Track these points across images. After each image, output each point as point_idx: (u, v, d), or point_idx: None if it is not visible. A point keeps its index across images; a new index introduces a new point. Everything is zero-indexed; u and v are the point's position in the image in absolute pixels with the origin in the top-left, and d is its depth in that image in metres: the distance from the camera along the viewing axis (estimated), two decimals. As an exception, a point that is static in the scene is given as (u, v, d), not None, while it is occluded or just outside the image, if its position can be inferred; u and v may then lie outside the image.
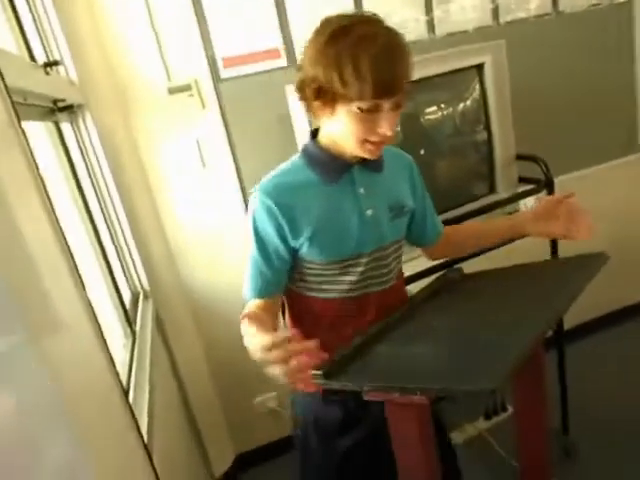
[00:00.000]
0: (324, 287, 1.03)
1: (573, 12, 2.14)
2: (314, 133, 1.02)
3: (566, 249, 1.48)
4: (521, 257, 1.27)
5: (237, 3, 1.73)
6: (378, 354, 0.88)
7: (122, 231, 1.65)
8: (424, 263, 1.42)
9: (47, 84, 1.07)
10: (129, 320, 1.35)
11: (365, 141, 0.92)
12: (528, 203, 1.65)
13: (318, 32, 0.90)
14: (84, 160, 1.52)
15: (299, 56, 0.95)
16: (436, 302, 1.05)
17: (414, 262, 1.39)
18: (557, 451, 1.92)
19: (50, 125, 1.18)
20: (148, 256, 1.80)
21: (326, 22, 0.90)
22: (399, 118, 0.93)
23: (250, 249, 1.02)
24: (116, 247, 1.61)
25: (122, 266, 1.62)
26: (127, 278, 1.64)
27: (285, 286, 1.07)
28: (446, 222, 1.49)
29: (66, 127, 1.41)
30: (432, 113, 1.64)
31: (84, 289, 0.75)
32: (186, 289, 1.90)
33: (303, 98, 0.93)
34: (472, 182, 1.69)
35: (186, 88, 1.74)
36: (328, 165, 0.98)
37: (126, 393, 1.00)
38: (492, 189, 1.67)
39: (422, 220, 1.17)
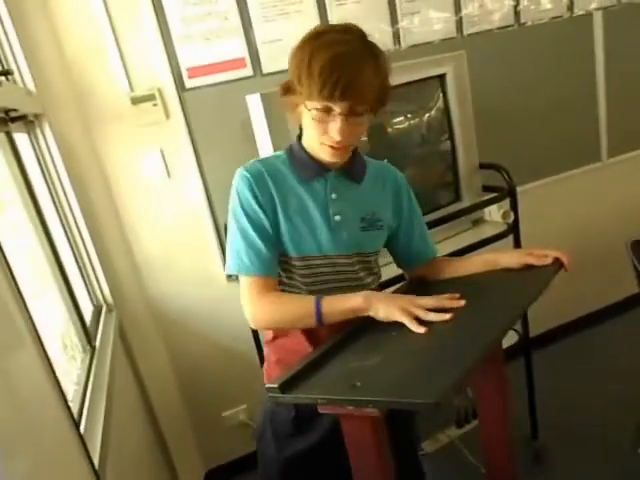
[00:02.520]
0: (291, 282, 1.04)
1: (535, 24, 2.19)
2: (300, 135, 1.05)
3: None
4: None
5: (201, 12, 1.72)
6: (334, 366, 0.88)
7: (84, 244, 1.61)
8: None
9: (-3, 94, 1.04)
10: (88, 335, 1.31)
11: (322, 143, 0.95)
12: (492, 211, 1.67)
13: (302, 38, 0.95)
14: (42, 171, 1.48)
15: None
16: None
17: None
18: (526, 457, 1.94)
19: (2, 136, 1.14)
20: (112, 268, 1.75)
21: (310, 30, 0.96)
22: (364, 127, 0.96)
23: (234, 229, 1.00)
24: (77, 260, 1.57)
25: (84, 280, 1.58)
26: (89, 292, 1.59)
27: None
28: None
29: (22, 137, 1.37)
30: (398, 123, 1.65)
31: (27, 311, 0.72)
32: (151, 301, 1.86)
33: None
34: (438, 191, 1.70)
35: (150, 98, 1.72)
36: (305, 164, 1.01)
37: (79, 416, 0.97)
38: (457, 197, 1.68)
39: (407, 241, 1.15)
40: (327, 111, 0.91)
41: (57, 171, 1.54)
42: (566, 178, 2.40)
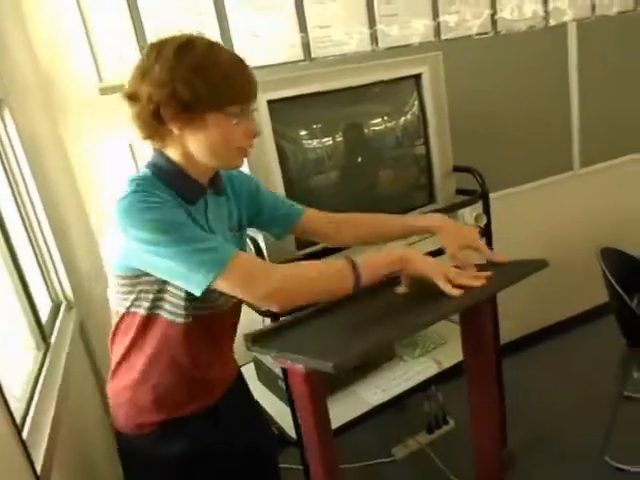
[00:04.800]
0: (184, 310, 0.93)
1: (511, 33, 2.21)
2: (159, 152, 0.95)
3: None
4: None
5: (175, 5, 1.68)
6: (304, 330, 1.00)
7: (44, 238, 1.54)
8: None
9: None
10: (43, 331, 1.24)
11: (238, 148, 0.93)
12: (465, 214, 1.66)
13: (157, 54, 0.86)
14: (1, 159, 1.42)
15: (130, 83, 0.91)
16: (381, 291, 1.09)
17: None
18: (496, 464, 1.92)
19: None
20: (75, 265, 1.68)
21: (159, 44, 0.88)
22: None
23: (173, 247, 0.83)
24: (36, 255, 1.50)
25: (43, 275, 1.51)
26: (48, 287, 1.52)
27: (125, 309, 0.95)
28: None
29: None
30: (374, 124, 1.63)
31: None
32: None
33: (153, 124, 0.88)
34: (412, 192, 1.69)
35: (119, 89, 1.64)
36: (187, 185, 0.93)
37: (23, 419, 0.90)
38: (431, 199, 1.67)
39: (275, 209, 1.16)
40: (243, 112, 0.90)
41: (17, 160, 1.47)
42: (539, 186, 2.42)
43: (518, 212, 2.38)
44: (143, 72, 0.87)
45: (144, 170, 0.94)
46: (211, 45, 0.89)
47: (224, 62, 0.86)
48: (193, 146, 0.90)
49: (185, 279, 0.85)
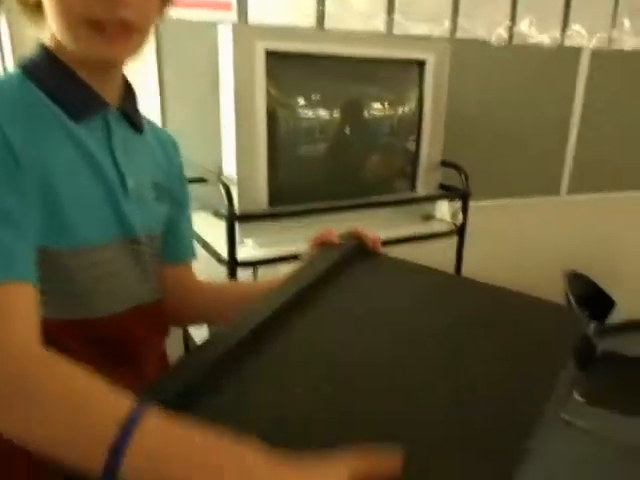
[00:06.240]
0: (61, 299, 0.59)
1: (524, 45, 2.22)
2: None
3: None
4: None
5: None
6: (245, 379, 0.50)
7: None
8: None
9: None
10: None
11: (87, 19, 0.55)
12: (443, 208, 1.66)
13: None
14: None
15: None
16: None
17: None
18: None
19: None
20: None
21: None
22: (153, 4, 0.61)
23: None
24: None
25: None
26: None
27: None
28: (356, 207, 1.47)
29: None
30: (370, 104, 1.63)
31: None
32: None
33: None
34: (395, 176, 1.69)
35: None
36: (70, 87, 0.60)
37: None
38: (412, 187, 1.67)
39: (175, 227, 0.79)
40: None
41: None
42: (521, 204, 2.43)
43: (495, 224, 2.38)
44: None
45: (14, 70, 0.61)
46: None
47: None
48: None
49: None
